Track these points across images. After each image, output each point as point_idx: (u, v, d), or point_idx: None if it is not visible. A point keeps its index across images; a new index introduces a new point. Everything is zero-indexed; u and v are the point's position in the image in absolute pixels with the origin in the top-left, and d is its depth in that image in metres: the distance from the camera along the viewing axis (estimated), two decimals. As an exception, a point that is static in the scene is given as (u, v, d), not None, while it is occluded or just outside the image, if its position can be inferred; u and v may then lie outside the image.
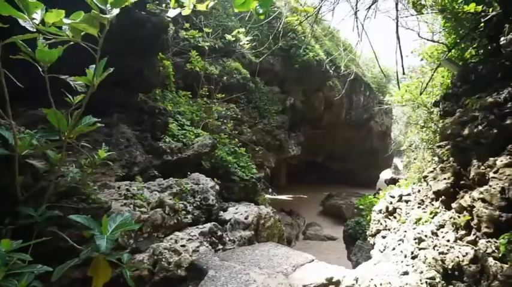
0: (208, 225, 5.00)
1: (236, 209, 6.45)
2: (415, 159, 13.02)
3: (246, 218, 5.81)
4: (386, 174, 38.31)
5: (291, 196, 29.47)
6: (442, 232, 4.25)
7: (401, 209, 6.38)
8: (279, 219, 7.83)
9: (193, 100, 9.99)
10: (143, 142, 6.50)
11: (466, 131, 4.74)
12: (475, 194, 3.87)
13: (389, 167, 39.47)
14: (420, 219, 5.32)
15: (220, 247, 4.91)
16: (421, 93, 8.56)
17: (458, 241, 3.89)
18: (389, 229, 6.52)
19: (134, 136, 6.30)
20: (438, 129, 9.99)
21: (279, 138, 15.52)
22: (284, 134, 16.10)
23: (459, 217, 4.11)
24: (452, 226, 4.18)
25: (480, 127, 4.43)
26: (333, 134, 24.72)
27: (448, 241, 3.97)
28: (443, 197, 5.16)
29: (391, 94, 11.80)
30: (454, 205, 4.40)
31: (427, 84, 8.20)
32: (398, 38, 6.08)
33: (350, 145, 28.12)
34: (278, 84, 16.39)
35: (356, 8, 6.38)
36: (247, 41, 10.71)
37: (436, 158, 7.58)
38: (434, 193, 5.33)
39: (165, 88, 9.47)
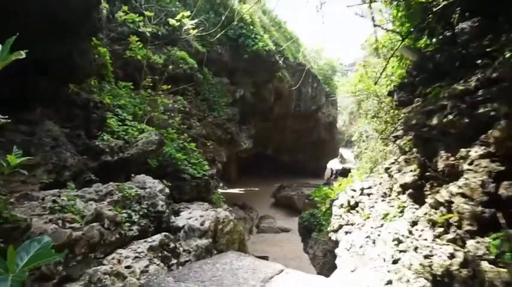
0: (159, 237, 4.25)
1: (190, 213, 5.74)
2: (366, 149, 13.20)
3: (201, 224, 5.14)
4: (333, 163, 39.64)
5: (242, 189, 29.15)
6: (417, 229, 3.97)
7: (363, 203, 6.14)
8: (237, 221, 7.27)
9: (135, 92, 8.95)
10: (75, 141, 5.47)
11: (434, 121, 4.51)
12: (453, 188, 3.61)
13: (336, 156, 40.86)
14: (387, 214, 5.08)
15: (174, 261, 4.20)
16: (375, 83, 8.45)
17: (436, 239, 3.62)
18: (352, 224, 6.26)
19: (64, 134, 5.26)
20: (390, 119, 10.09)
21: (230, 131, 14.89)
22: (235, 127, 15.51)
23: (435, 213, 3.85)
24: (428, 223, 3.92)
25: (450, 116, 4.21)
26: (282, 126, 24.67)
27: (426, 239, 3.68)
28: (410, 190, 4.95)
29: (343, 84, 11.73)
30: (428, 199, 4.14)
31: (381, 73, 8.10)
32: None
33: (298, 136, 28.41)
34: (227, 75, 15.68)
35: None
36: (193, 25, 9.81)
37: (394, 149, 7.53)
38: (401, 185, 5.11)
39: (102, 79, 8.32)
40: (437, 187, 4.49)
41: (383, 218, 5.18)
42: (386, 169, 6.14)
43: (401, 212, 5.05)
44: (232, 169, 26.88)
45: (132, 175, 6.00)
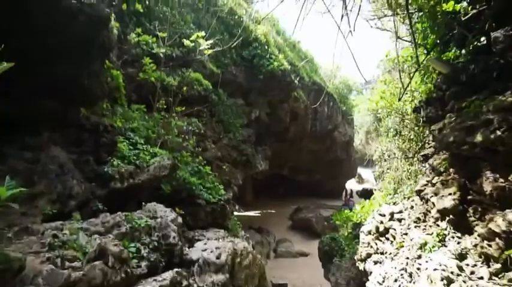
0: (170, 275, 3.80)
1: (205, 244, 5.26)
2: (388, 169, 12.52)
3: (218, 257, 4.66)
4: (351, 183, 38.56)
5: (258, 211, 28.44)
6: (467, 265, 3.39)
7: (395, 229, 5.56)
8: (255, 246, 6.76)
9: (149, 115, 8.70)
10: (83, 167, 5.16)
11: (478, 138, 3.99)
12: (512, 216, 3.05)
13: (354, 176, 39.78)
14: (426, 244, 4.50)
15: (186, 301, 3.73)
16: (399, 99, 7.97)
17: (494, 278, 3.04)
18: (383, 253, 5.67)
19: (71, 160, 4.96)
20: (415, 137, 9.50)
21: (245, 153, 14.49)
22: (251, 149, 15.11)
23: (489, 245, 3.28)
24: (480, 257, 3.35)
25: (498, 132, 3.69)
26: (299, 146, 24.17)
27: (481, 278, 3.10)
28: (451, 216, 4.38)
29: (362, 102, 11.25)
30: (479, 229, 3.57)
31: (405, 89, 7.62)
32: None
33: (315, 156, 27.78)
34: (242, 96, 15.44)
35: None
36: (208, 45, 9.64)
37: (424, 169, 6.92)
38: (438, 211, 4.55)
39: (115, 102, 8.14)
40: (484, 212, 3.93)
41: (420, 248, 4.59)
42: (419, 192, 5.57)
43: (442, 241, 4.46)
44: (248, 190, 26.35)
45: (144, 203, 5.62)
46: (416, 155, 8.76)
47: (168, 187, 7.10)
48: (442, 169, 5.11)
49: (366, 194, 15.78)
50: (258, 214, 28.42)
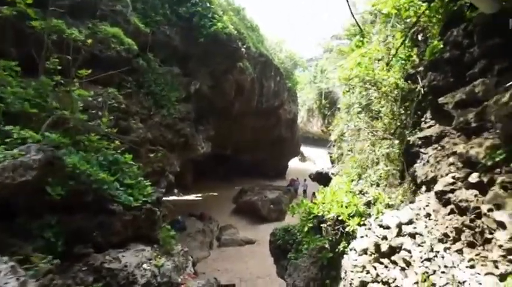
0: None
1: None
2: (350, 151, 11.00)
3: None
4: (293, 162, 37.81)
5: (199, 195, 26.30)
6: None
7: (409, 252, 3.74)
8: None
9: (33, 79, 5.82)
10: None
11: None
12: None
13: (297, 155, 39.01)
14: None
15: None
16: (387, 64, 6.12)
17: None
18: (387, 284, 3.85)
19: None
20: (392, 113, 7.85)
21: (183, 133, 11.97)
22: (190, 128, 12.59)
23: None
24: None
25: None
26: (242, 124, 22.12)
27: None
28: None
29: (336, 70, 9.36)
30: None
31: (397, 50, 5.80)
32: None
33: (258, 135, 26.07)
34: (178, 64, 12.65)
35: None
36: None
37: (445, 160, 5.12)
38: (491, 230, 2.75)
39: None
40: None
41: None
42: (441, 193, 3.77)
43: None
44: (188, 174, 23.85)
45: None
46: (395, 136, 7.12)
47: (58, 189, 4.50)
48: (489, 163, 3.30)
49: (321, 178, 14.29)
50: (198, 198, 26.33)
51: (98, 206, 5.22)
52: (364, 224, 5.30)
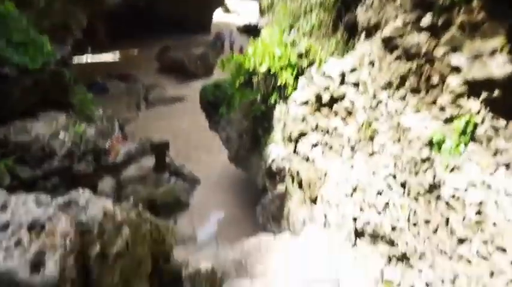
0: None
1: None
2: (280, -1, 10.21)
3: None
4: (217, 15, 35.02)
5: (116, 52, 23.96)
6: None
7: (352, 101, 3.84)
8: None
9: None
10: None
11: None
12: None
13: (220, 5, 35.84)
14: (443, 141, 2.80)
15: None
16: None
17: None
18: (328, 133, 4.03)
19: None
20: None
21: (86, -22, 9.79)
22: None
23: None
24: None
25: None
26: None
27: None
28: (496, 91, 2.67)
29: None
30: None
31: None
32: None
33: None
34: None
35: None
36: None
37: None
38: (468, 83, 2.75)
39: None
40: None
41: (430, 147, 2.96)
42: (388, 40, 3.63)
43: (470, 132, 2.82)
44: (100, 31, 21.00)
45: None
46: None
47: None
48: (449, 1, 3.05)
49: (250, 30, 13.59)
50: (117, 58, 24.15)
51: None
52: (303, 75, 5.27)
